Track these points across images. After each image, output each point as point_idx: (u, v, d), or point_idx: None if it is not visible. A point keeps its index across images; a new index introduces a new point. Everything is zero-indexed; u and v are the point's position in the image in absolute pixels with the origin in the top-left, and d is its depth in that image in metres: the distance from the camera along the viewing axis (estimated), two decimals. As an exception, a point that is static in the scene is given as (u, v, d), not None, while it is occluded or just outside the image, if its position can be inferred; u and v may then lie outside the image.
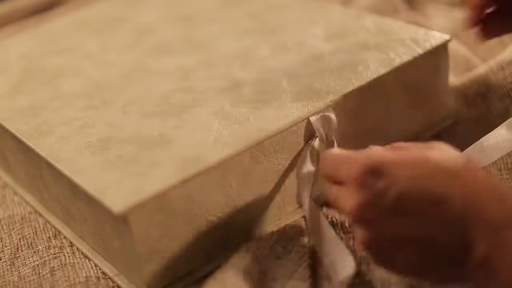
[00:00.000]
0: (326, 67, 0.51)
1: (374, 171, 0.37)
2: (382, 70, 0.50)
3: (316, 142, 0.47)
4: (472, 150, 0.47)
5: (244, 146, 0.45)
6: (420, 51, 0.52)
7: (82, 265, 0.48)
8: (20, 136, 0.49)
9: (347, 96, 0.49)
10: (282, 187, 0.48)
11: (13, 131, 0.50)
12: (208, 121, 0.47)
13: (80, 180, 0.44)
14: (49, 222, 0.52)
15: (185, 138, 0.46)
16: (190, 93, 0.51)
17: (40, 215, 0.53)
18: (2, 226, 0.53)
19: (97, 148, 0.47)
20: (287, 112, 0.47)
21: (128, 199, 0.42)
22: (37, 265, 0.49)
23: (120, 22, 0.65)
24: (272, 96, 0.49)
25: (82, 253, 0.49)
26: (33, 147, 0.48)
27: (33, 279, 0.47)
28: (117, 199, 0.42)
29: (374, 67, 0.51)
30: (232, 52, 0.56)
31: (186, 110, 0.49)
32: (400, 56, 0.51)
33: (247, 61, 0.54)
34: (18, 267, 0.49)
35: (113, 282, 0.47)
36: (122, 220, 0.42)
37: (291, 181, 0.48)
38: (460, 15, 0.68)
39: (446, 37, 0.53)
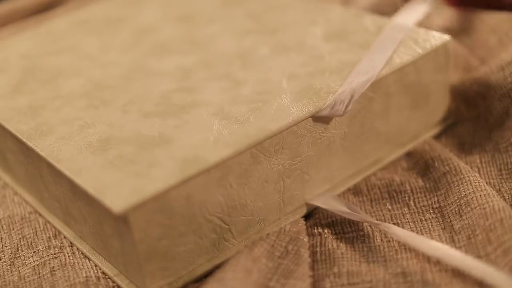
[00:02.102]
0: (326, 67, 0.51)
1: None
2: (382, 70, 0.50)
3: None
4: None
5: (244, 146, 0.45)
6: (420, 51, 0.52)
7: (82, 265, 0.48)
8: (20, 136, 0.49)
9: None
10: (282, 187, 0.48)
11: (13, 131, 0.50)
12: (208, 121, 0.47)
13: (80, 180, 0.44)
14: (49, 222, 0.52)
15: (185, 138, 0.46)
16: (190, 93, 0.51)
17: (40, 215, 0.53)
18: (2, 226, 0.53)
19: (97, 148, 0.47)
20: (287, 112, 0.47)
21: (128, 199, 0.42)
22: (37, 265, 0.49)
23: (120, 22, 0.65)
24: (272, 96, 0.49)
25: (82, 253, 0.49)
26: (33, 147, 0.48)
27: (33, 279, 0.48)
28: (117, 199, 0.42)
29: (374, 67, 0.51)
30: (232, 52, 0.56)
31: (186, 110, 0.49)
32: (400, 56, 0.51)
33: (247, 61, 0.54)
34: (18, 267, 0.49)
35: (113, 282, 0.47)
36: (122, 220, 0.42)
37: (291, 181, 0.48)
38: (460, 15, 0.68)
39: (446, 37, 0.53)
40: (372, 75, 0.49)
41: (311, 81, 0.50)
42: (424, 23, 0.66)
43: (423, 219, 0.49)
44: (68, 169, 0.45)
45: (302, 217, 0.49)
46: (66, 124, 0.50)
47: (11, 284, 0.47)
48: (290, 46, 0.55)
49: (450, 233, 0.47)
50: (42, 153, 0.47)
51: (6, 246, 0.51)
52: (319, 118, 0.48)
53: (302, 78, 0.51)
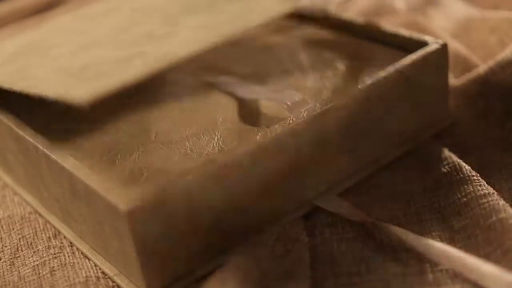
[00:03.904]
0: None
1: None
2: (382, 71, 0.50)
3: None
4: None
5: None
6: (420, 51, 0.52)
7: (82, 265, 0.48)
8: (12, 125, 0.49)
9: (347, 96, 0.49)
10: (282, 187, 0.48)
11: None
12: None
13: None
14: (49, 222, 0.52)
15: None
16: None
17: (40, 215, 0.53)
18: (2, 226, 0.53)
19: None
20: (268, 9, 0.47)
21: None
22: (37, 265, 0.49)
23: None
24: None
25: (82, 253, 0.49)
26: (34, 142, 0.48)
27: (33, 279, 0.48)
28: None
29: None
30: None
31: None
32: (400, 56, 0.52)
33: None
34: (18, 267, 0.49)
35: (113, 282, 0.47)
36: (122, 220, 0.42)
37: (291, 181, 0.48)
38: (460, 15, 0.68)
39: (443, 41, 0.53)
40: None
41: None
42: (424, 24, 0.66)
43: (423, 219, 0.49)
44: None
45: (302, 217, 0.49)
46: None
47: (11, 284, 0.47)
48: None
49: (450, 233, 0.47)
50: (43, 149, 0.47)
51: (6, 246, 0.51)
52: (319, 115, 0.48)
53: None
